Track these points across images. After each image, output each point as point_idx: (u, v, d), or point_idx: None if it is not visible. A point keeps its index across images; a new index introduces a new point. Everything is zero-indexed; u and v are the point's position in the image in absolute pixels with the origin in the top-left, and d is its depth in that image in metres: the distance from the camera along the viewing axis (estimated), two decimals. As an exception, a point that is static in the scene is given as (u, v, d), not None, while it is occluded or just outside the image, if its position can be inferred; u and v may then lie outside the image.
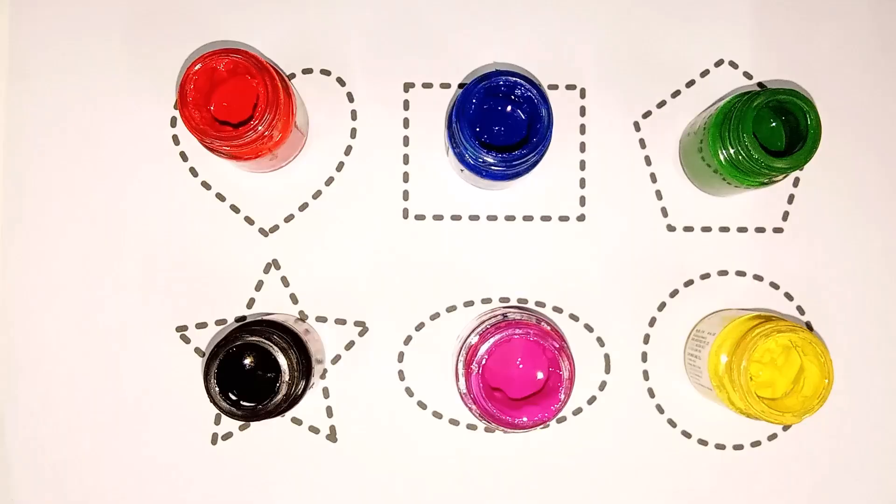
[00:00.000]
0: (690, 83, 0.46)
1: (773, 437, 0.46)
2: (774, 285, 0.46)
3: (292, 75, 0.46)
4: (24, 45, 0.46)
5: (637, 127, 0.46)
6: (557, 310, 0.46)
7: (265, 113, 0.39)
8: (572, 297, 0.46)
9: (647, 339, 0.46)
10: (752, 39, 0.47)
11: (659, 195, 0.46)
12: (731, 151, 0.40)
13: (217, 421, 0.45)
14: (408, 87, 0.46)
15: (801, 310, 0.46)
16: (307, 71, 0.46)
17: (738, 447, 0.46)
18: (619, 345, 0.46)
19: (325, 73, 0.46)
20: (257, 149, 0.40)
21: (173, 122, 0.46)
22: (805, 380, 0.41)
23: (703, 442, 0.46)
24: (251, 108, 0.40)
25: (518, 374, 0.41)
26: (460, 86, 0.46)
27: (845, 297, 0.46)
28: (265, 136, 0.39)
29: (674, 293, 0.46)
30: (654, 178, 0.46)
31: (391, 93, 0.46)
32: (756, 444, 0.46)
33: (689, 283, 0.46)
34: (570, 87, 0.46)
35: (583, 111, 0.46)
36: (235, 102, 0.41)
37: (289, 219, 0.46)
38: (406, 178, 0.46)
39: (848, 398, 0.46)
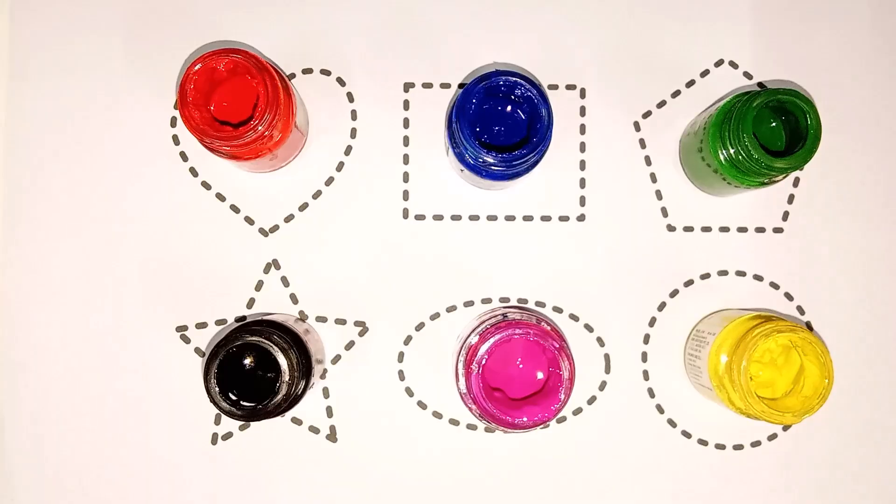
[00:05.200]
0: (690, 83, 0.46)
1: (773, 437, 0.46)
2: (774, 285, 0.46)
3: (292, 75, 0.46)
4: (24, 45, 0.46)
5: (637, 127, 0.46)
6: (557, 310, 0.46)
7: (265, 113, 0.38)
8: (572, 297, 0.46)
9: (647, 339, 0.46)
10: (752, 39, 0.47)
11: (659, 195, 0.46)
12: (731, 151, 0.40)
13: (217, 421, 0.45)
14: (408, 87, 0.46)
15: (801, 310, 0.46)
16: (307, 71, 0.46)
17: (738, 447, 0.46)
18: (619, 345, 0.46)
19: (325, 73, 0.46)
20: (257, 149, 0.40)
21: (173, 122, 0.46)
22: (805, 380, 0.41)
23: (703, 442, 0.46)
24: (251, 108, 0.40)
25: (518, 374, 0.41)
26: (460, 86, 0.46)
27: (845, 297, 0.46)
28: (265, 136, 0.39)
29: (674, 293, 0.46)
30: (654, 178, 0.46)
31: (391, 93, 0.46)
32: (756, 444, 0.46)
33: (689, 283, 0.46)
34: (570, 87, 0.46)
35: (583, 111, 0.46)
36: (235, 102, 0.41)
37: (289, 219, 0.46)
38: (406, 178, 0.46)
39: (848, 398, 0.46)
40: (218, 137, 0.39)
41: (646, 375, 0.46)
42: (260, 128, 0.39)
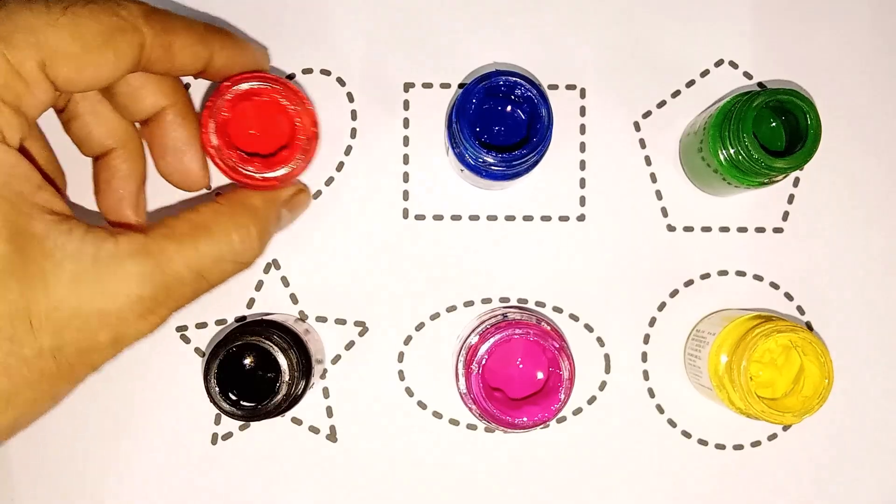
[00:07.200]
0: (690, 83, 0.46)
1: (773, 437, 0.46)
2: (774, 285, 0.46)
3: (292, 75, 0.46)
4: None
5: (637, 127, 0.46)
6: (557, 310, 0.46)
7: (298, 166, 0.37)
8: (572, 297, 0.46)
9: (647, 339, 0.46)
10: (752, 39, 0.47)
11: (659, 195, 0.46)
12: (731, 151, 0.40)
13: (217, 421, 0.45)
14: (408, 87, 0.46)
15: (801, 310, 0.46)
16: (307, 71, 0.46)
17: (738, 447, 0.46)
18: (619, 345, 0.46)
19: (325, 73, 0.46)
20: (276, 185, 0.39)
21: (173, 122, 0.46)
22: (805, 380, 0.41)
23: (703, 442, 0.46)
24: (268, 126, 0.38)
25: (518, 374, 0.41)
26: (460, 86, 0.46)
27: (845, 297, 0.46)
28: (290, 175, 0.38)
29: (674, 293, 0.46)
30: (654, 178, 0.46)
31: (391, 93, 0.46)
32: (756, 444, 0.46)
33: (689, 283, 0.46)
34: (570, 87, 0.46)
35: (583, 111, 0.46)
36: (247, 121, 0.39)
37: (289, 219, 0.46)
38: (406, 178, 0.46)
39: (848, 398, 0.46)
40: (243, 181, 0.37)
41: (646, 375, 0.46)
42: (288, 169, 0.37)
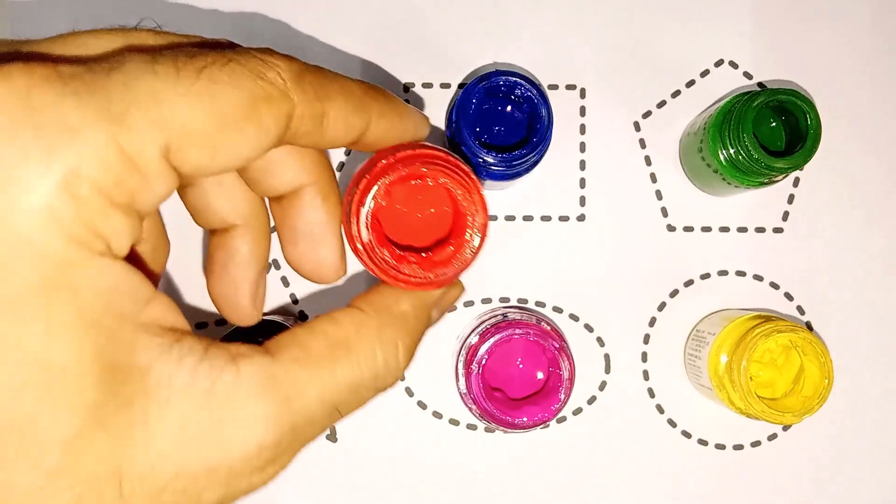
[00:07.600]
0: (690, 83, 0.46)
1: (773, 437, 0.46)
2: (774, 285, 0.46)
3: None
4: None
5: (637, 127, 0.46)
6: (557, 310, 0.46)
7: (465, 265, 0.30)
8: (572, 297, 0.46)
9: (647, 339, 0.46)
10: (752, 39, 0.47)
11: (659, 195, 0.46)
12: (731, 151, 0.40)
13: (217, 421, 0.45)
14: (408, 87, 0.46)
15: (801, 310, 0.46)
16: (307, 71, 0.46)
17: (738, 447, 0.46)
18: (619, 345, 0.46)
19: (325, 73, 0.46)
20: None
21: (173, 122, 0.46)
22: (805, 380, 0.41)
23: (703, 442, 0.46)
24: (428, 213, 0.30)
25: (518, 374, 0.42)
26: (460, 86, 0.46)
27: (845, 297, 0.46)
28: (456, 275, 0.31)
29: (674, 293, 0.46)
30: (654, 178, 0.46)
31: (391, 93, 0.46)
32: (756, 444, 0.46)
33: (689, 283, 0.46)
34: (570, 87, 0.46)
35: (583, 111, 0.46)
36: (405, 204, 0.29)
37: (289, 219, 0.46)
38: (406, 178, 0.46)
39: (848, 398, 0.46)
40: (397, 283, 0.29)
41: (646, 375, 0.46)
42: (455, 268, 0.30)
